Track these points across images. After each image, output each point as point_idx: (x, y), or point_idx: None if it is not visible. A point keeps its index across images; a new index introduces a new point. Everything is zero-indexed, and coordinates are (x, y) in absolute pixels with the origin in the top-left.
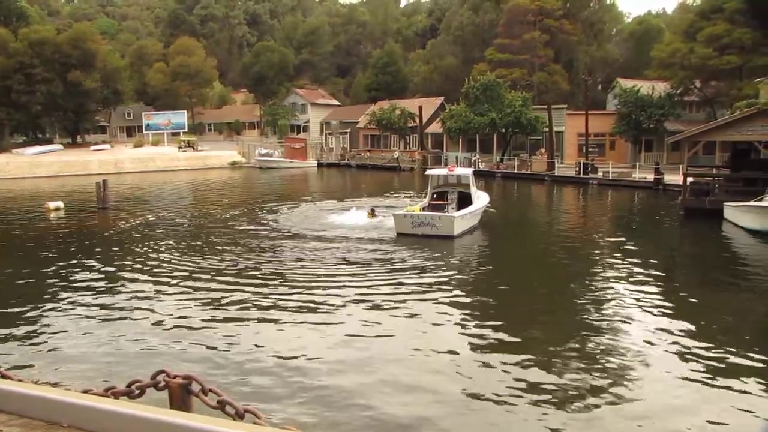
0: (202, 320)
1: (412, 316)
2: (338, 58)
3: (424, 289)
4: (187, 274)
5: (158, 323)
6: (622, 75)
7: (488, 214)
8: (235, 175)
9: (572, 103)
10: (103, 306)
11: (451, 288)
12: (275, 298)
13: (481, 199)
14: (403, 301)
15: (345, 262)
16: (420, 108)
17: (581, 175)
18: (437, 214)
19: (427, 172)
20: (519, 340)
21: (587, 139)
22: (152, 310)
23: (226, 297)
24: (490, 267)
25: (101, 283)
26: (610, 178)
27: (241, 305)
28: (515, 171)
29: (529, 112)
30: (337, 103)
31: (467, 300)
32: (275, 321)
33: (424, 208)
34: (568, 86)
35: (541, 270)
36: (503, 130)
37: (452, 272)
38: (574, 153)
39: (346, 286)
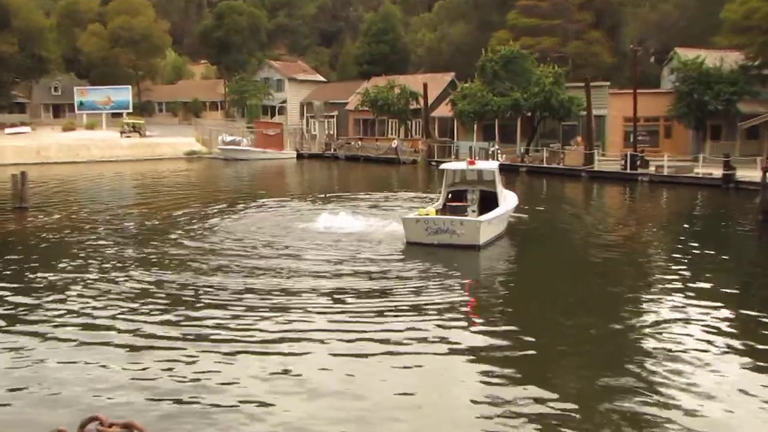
0: (144, 352)
1: (431, 364)
2: (322, 23)
3: (448, 323)
4: (126, 293)
5: (86, 351)
6: (682, 44)
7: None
8: (193, 168)
9: (617, 79)
10: (12, 331)
11: (484, 322)
12: (240, 328)
13: (509, 200)
14: (420, 340)
15: (337, 283)
16: (425, 86)
17: (628, 170)
18: (458, 218)
19: (442, 166)
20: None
21: (636, 124)
22: (79, 336)
23: (174, 321)
24: (527, 288)
25: (13, 302)
26: (665, 173)
27: (195, 333)
28: (544, 165)
29: (561, 91)
30: (322, 78)
31: (503, 340)
32: (241, 354)
33: (438, 211)
34: (612, 58)
35: (585, 291)
36: (529, 113)
37: (485, 302)
38: (619, 142)
39: (338, 315)
